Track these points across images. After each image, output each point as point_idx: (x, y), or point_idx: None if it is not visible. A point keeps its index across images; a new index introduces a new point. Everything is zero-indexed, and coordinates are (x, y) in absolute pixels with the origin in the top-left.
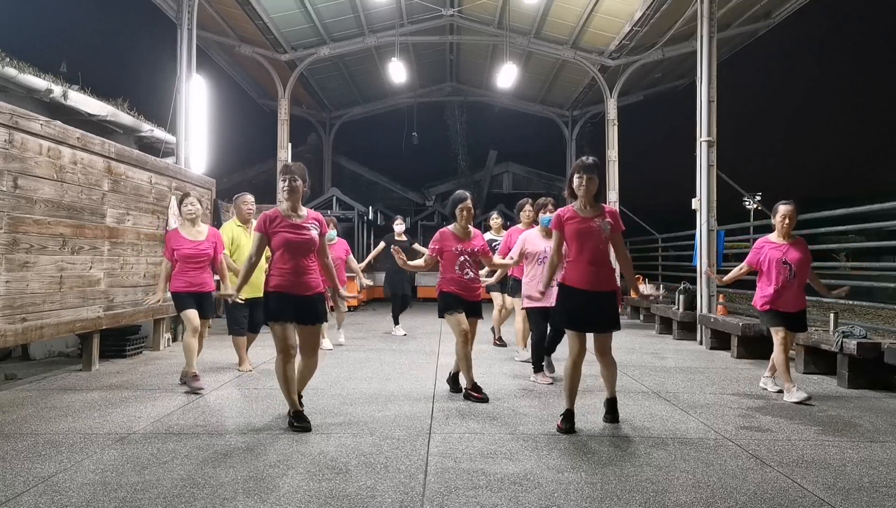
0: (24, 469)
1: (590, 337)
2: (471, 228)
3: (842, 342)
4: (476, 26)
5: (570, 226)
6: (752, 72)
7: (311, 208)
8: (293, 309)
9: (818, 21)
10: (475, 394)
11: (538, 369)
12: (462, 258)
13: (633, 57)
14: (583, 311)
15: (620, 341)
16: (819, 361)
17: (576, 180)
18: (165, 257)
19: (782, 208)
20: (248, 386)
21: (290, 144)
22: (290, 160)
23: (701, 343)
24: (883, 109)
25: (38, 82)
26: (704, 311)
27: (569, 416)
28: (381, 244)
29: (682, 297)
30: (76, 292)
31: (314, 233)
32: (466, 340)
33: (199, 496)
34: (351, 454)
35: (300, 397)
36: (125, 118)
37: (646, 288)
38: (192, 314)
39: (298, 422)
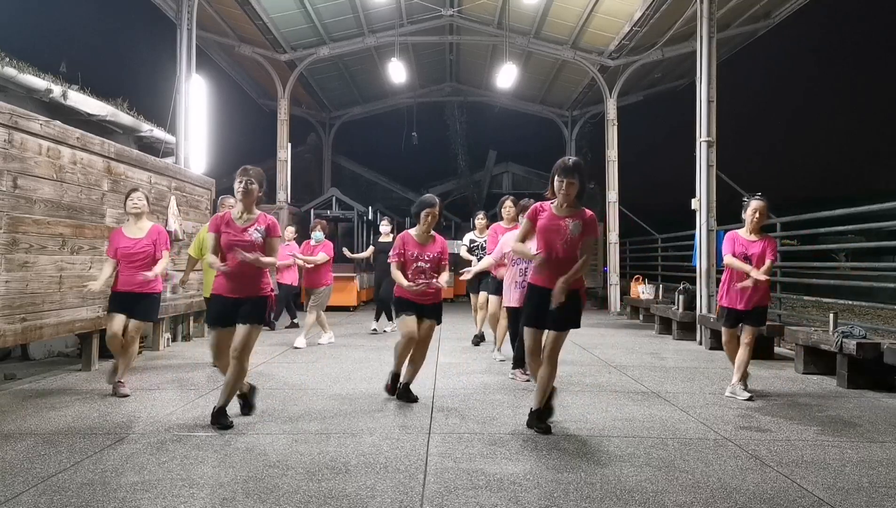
0: (24, 469)
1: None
2: (433, 233)
3: (841, 342)
4: (476, 26)
5: (540, 221)
6: (752, 72)
7: (264, 213)
8: (228, 312)
9: (818, 21)
10: (389, 385)
11: (518, 365)
12: (416, 265)
13: (633, 57)
14: (541, 308)
15: (620, 340)
16: (819, 361)
17: (556, 183)
18: (107, 255)
19: (754, 204)
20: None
21: (289, 144)
22: (289, 160)
23: (700, 343)
24: (883, 109)
25: (38, 82)
26: (704, 311)
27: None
28: (371, 248)
29: (681, 297)
30: (76, 292)
31: (255, 236)
32: (409, 344)
33: (198, 496)
34: (351, 454)
35: (224, 409)
36: (125, 118)
37: (645, 288)
38: (111, 319)
39: (220, 419)
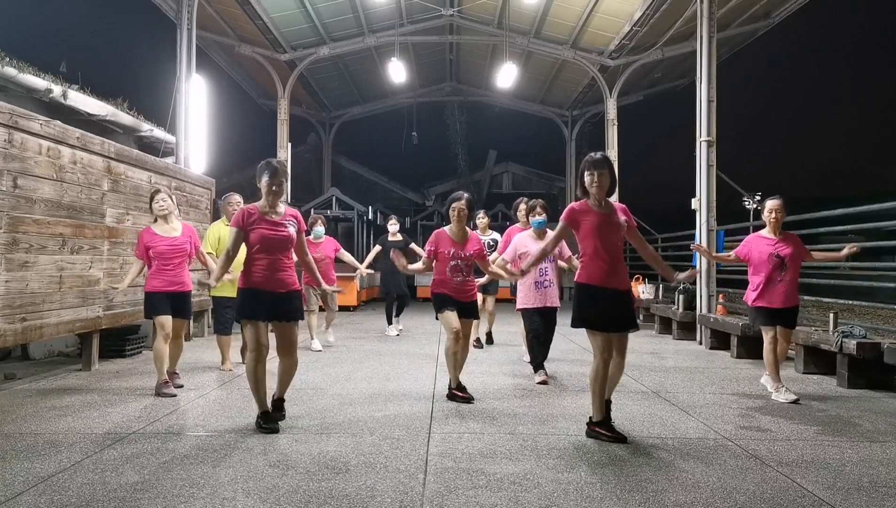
0: (24, 469)
1: None
2: (468, 230)
3: (841, 341)
4: (476, 26)
5: (587, 221)
6: (752, 72)
7: (288, 206)
8: (267, 307)
9: (818, 21)
10: (460, 394)
11: (537, 367)
12: (454, 263)
13: (633, 57)
14: (608, 310)
15: None
16: (819, 361)
17: (587, 178)
18: (136, 256)
19: (769, 203)
20: (247, 386)
21: (289, 144)
22: (289, 160)
23: (701, 343)
24: (883, 109)
25: (38, 82)
26: (704, 311)
27: (608, 424)
28: (377, 247)
29: (681, 297)
30: (76, 291)
31: (291, 230)
32: (457, 338)
33: (198, 496)
34: (351, 454)
35: (283, 400)
36: (125, 118)
37: (644, 288)
38: (164, 320)
39: (266, 423)
